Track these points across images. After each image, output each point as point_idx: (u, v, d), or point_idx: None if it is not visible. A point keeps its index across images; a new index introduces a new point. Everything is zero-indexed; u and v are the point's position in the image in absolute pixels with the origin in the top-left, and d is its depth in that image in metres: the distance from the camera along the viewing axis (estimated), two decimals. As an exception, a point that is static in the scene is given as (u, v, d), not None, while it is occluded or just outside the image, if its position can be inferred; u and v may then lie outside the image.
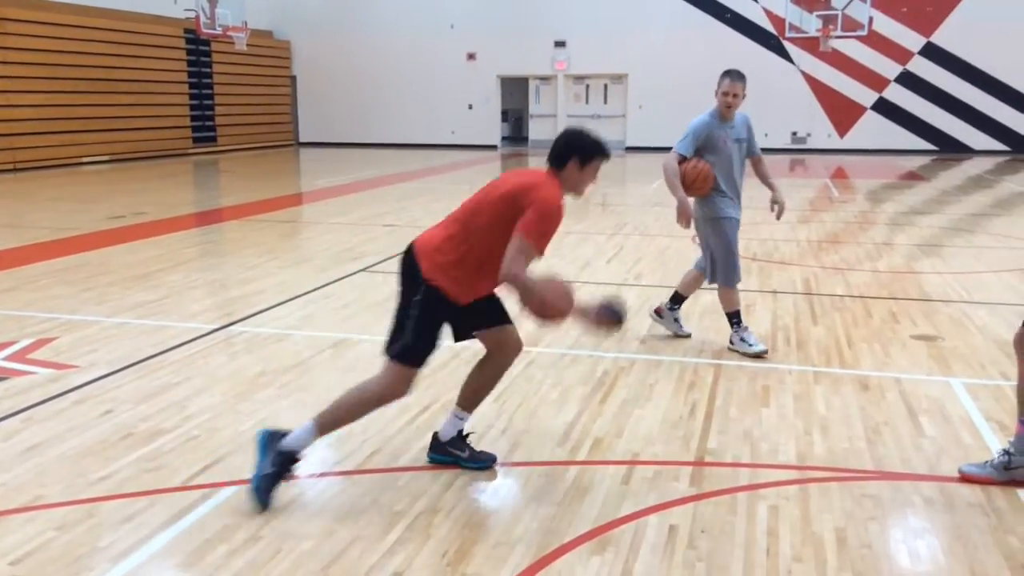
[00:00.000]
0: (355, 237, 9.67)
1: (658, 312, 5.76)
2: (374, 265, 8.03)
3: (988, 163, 20.50)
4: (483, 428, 4.07)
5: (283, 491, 3.35)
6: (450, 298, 3.33)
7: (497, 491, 3.53)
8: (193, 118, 22.91)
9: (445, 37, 25.86)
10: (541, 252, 3.23)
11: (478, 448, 3.75)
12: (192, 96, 22.81)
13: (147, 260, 8.21)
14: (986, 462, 3.58)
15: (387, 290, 6.97)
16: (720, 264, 5.35)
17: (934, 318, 6.20)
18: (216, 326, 5.86)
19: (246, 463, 3.65)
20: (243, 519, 3.18)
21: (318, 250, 8.97)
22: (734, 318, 5.38)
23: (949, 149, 23.21)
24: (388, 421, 4.14)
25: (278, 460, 3.28)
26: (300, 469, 3.38)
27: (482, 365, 3.63)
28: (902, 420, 4.22)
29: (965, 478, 3.55)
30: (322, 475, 3.61)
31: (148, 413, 4.25)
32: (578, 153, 3.40)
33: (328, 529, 3.12)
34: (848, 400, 4.50)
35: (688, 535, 3.11)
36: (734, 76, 5.22)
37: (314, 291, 6.96)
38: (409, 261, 3.38)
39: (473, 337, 3.59)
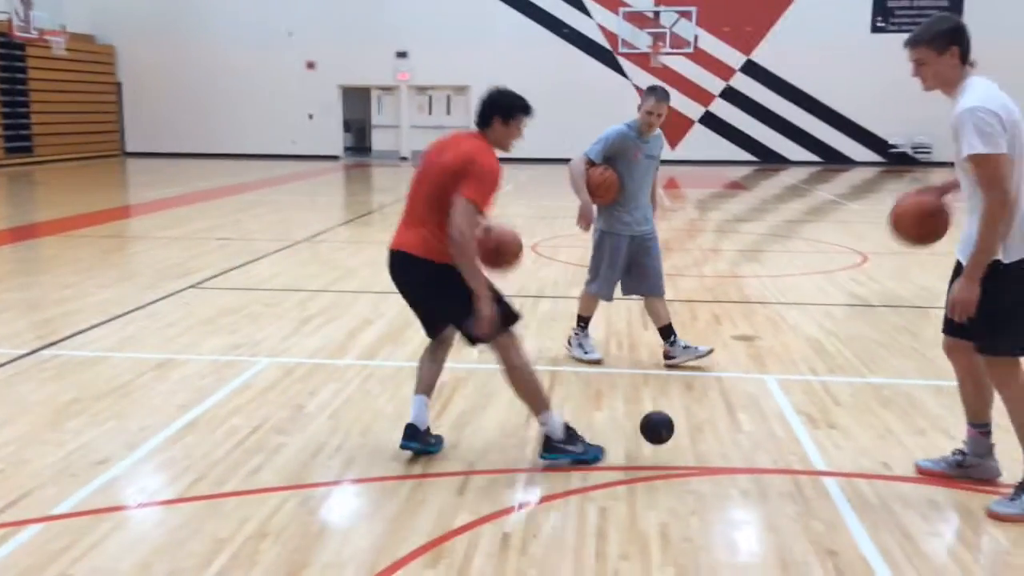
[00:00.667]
0: (184, 252, 9.22)
1: (667, 355, 5.31)
2: (204, 281, 7.69)
3: (803, 173, 22.08)
4: (316, 446, 3.98)
5: (96, 524, 3.14)
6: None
7: (329, 511, 3.45)
8: (6, 127, 21.20)
9: (283, 45, 25.19)
10: (483, 211, 3.59)
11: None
12: (4, 104, 21.10)
13: (-53, 281, 7.52)
14: (940, 459, 3.77)
15: (218, 305, 6.70)
16: (599, 274, 5.34)
17: (752, 319, 6.60)
18: (26, 350, 5.44)
19: (55, 497, 3.40)
20: (51, 558, 2.95)
21: (143, 266, 8.50)
22: (582, 322, 5.48)
23: (768, 160, 24.83)
24: (214, 445, 3.97)
25: None
26: (129, 499, 3.18)
27: (436, 353, 4.01)
28: (722, 417, 4.46)
29: (920, 471, 3.75)
30: (140, 506, 3.41)
31: (-58, 449, 3.88)
32: (500, 112, 3.75)
33: (144, 563, 2.95)
34: (674, 400, 4.70)
35: (521, 542, 3.15)
36: (660, 95, 5.05)
37: (137, 310, 6.58)
38: (416, 267, 3.64)
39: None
